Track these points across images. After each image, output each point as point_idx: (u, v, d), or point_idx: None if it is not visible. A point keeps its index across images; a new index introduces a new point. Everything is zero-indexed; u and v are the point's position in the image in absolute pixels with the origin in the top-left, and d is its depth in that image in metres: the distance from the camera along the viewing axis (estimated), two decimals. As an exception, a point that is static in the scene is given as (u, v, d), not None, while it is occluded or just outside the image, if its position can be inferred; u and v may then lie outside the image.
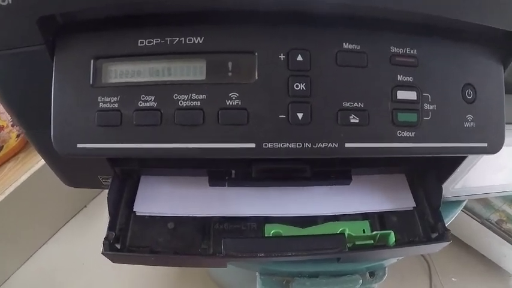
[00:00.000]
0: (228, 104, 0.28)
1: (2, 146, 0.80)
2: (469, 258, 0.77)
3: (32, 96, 0.34)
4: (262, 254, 0.35)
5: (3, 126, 0.79)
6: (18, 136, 0.81)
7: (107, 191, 0.38)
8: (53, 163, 0.41)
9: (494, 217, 0.72)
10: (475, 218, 0.72)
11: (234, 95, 0.29)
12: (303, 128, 0.29)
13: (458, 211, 0.46)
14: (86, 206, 0.85)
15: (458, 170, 0.39)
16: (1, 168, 0.80)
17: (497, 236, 0.73)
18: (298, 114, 0.29)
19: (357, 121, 0.30)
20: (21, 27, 0.28)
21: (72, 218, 0.85)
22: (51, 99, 0.31)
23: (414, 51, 0.31)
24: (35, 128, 0.37)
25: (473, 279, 0.77)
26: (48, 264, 0.81)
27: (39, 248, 0.83)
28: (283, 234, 0.37)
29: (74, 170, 0.40)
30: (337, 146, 0.30)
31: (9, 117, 0.78)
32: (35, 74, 0.32)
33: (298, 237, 0.36)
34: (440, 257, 0.75)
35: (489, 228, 0.72)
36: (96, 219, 0.81)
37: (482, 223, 0.72)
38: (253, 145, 0.29)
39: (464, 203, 0.47)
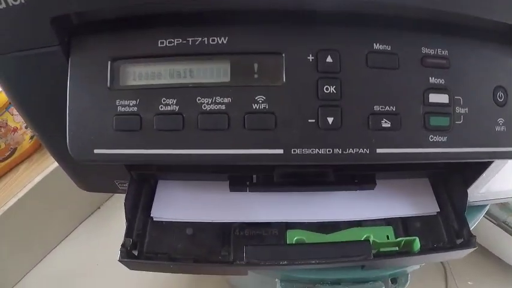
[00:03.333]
0: (254, 107, 0.26)
1: (16, 148, 0.78)
2: (486, 262, 0.75)
3: (46, 100, 0.32)
4: (285, 262, 0.33)
5: (17, 128, 0.77)
6: (31, 138, 0.79)
7: (120, 192, 0.36)
8: (68, 168, 0.39)
9: (511, 219, 0.69)
10: (491, 220, 0.69)
11: (260, 98, 0.26)
12: (333, 133, 0.27)
13: (481, 216, 0.44)
14: (99, 208, 0.84)
15: (485, 174, 0.37)
16: (15, 169, 0.79)
17: (513, 238, 0.70)
18: (328, 118, 0.27)
19: (389, 125, 0.28)
20: (35, 27, 0.26)
21: (86, 219, 0.83)
22: (66, 102, 0.29)
23: (446, 53, 0.29)
24: (49, 132, 0.35)
25: (490, 283, 0.74)
26: (62, 265, 0.79)
27: (53, 249, 0.82)
28: (306, 241, 0.35)
29: (89, 174, 0.38)
30: (368, 151, 0.27)
31: (20, 115, 0.77)
32: (50, 76, 0.30)
33: (322, 245, 0.34)
34: (456, 260, 0.72)
35: (506, 230, 0.69)
36: (110, 220, 0.80)
37: (498, 225, 0.69)
38: (281, 151, 0.26)
39: (487, 208, 0.44)
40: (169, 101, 0.27)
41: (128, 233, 0.35)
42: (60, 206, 0.79)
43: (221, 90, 0.26)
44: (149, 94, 0.27)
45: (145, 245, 0.36)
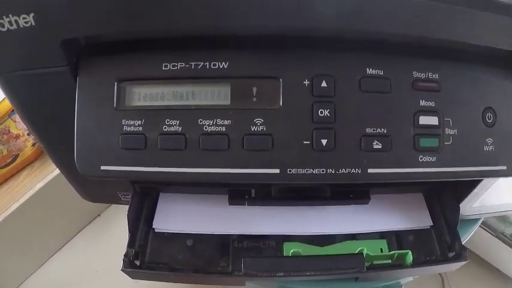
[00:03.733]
0: (252, 129, 0.28)
1: (18, 155, 0.79)
2: (484, 273, 0.75)
3: (53, 115, 0.33)
4: (282, 274, 0.34)
5: (19, 135, 0.78)
6: (33, 145, 0.80)
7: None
8: (72, 179, 0.40)
9: (509, 230, 0.69)
10: (489, 231, 0.70)
11: (258, 120, 0.28)
12: (327, 154, 0.28)
13: (475, 228, 0.45)
14: (99, 215, 0.84)
15: (476, 189, 0.38)
16: (16, 176, 0.80)
17: (512, 249, 0.70)
18: (322, 140, 0.28)
19: (380, 147, 0.29)
20: (44, 48, 0.28)
21: (86, 226, 0.84)
22: (73, 119, 0.30)
23: (436, 76, 0.31)
24: (55, 145, 0.36)
25: (488, 294, 0.75)
26: (61, 271, 0.80)
27: (53, 256, 0.82)
28: (302, 254, 0.36)
29: (93, 186, 0.40)
30: (360, 171, 0.29)
31: (25, 126, 0.78)
32: (56, 93, 0.31)
33: (317, 257, 0.35)
34: (454, 271, 0.73)
35: (503, 241, 0.70)
36: (109, 228, 0.80)
37: (497, 236, 0.70)
38: (277, 171, 0.28)
39: (480, 221, 0.46)
40: (173, 122, 0.28)
41: (131, 244, 0.36)
42: (60, 213, 0.80)
43: (222, 113, 0.28)
44: (154, 115, 0.28)
45: (147, 255, 0.37)
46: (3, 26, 0.26)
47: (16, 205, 0.75)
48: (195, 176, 0.28)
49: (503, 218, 0.70)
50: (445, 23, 0.27)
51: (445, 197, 0.40)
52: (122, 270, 0.35)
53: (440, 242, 0.39)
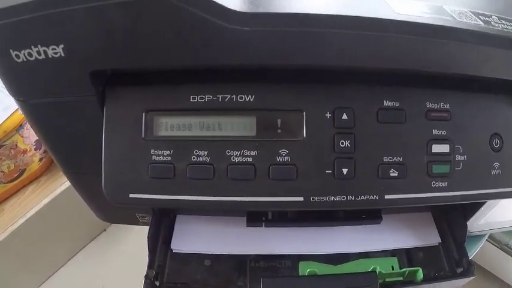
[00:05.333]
0: (278, 160, 0.29)
1: (25, 169, 0.79)
2: (488, 284, 0.76)
3: (77, 142, 0.34)
4: (298, 293, 0.35)
5: (26, 150, 0.78)
6: (40, 160, 0.81)
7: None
8: (92, 203, 0.41)
9: None
10: (494, 243, 0.71)
11: (283, 151, 0.29)
12: (347, 182, 0.30)
13: (481, 244, 0.46)
14: (105, 230, 0.84)
15: (483, 208, 0.39)
16: (23, 191, 0.80)
17: (516, 261, 0.72)
18: (343, 169, 0.29)
19: (396, 174, 0.30)
20: (72, 79, 0.28)
21: (91, 241, 0.84)
22: (98, 147, 0.31)
23: (447, 106, 0.32)
24: (78, 170, 0.37)
25: (492, 304, 0.75)
26: (66, 285, 0.79)
27: (58, 270, 0.82)
28: (318, 273, 0.37)
29: (113, 209, 0.40)
30: (377, 198, 0.30)
31: (33, 141, 0.78)
32: (82, 120, 0.32)
33: (332, 276, 0.37)
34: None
35: (508, 253, 0.71)
36: (115, 242, 0.80)
37: (501, 248, 0.71)
38: (301, 199, 0.29)
39: (486, 236, 0.47)
40: (201, 153, 0.29)
41: (151, 265, 0.37)
42: (66, 228, 0.80)
43: (248, 144, 0.29)
44: (182, 145, 0.29)
45: (165, 275, 0.38)
46: (31, 56, 0.26)
47: (22, 220, 0.76)
48: (222, 204, 0.29)
49: (508, 231, 0.71)
50: (458, 60, 0.29)
51: (453, 215, 0.41)
52: (142, 291, 0.35)
53: (448, 258, 0.40)
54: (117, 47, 0.26)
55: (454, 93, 0.32)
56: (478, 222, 0.43)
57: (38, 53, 0.26)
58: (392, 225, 0.41)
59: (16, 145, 0.76)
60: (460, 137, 0.32)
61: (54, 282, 0.81)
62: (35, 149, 0.79)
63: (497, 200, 0.39)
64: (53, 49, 0.26)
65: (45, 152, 0.80)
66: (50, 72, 0.27)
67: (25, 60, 0.26)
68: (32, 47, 0.25)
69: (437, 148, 0.31)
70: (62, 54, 0.26)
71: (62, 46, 0.25)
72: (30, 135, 0.77)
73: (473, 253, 0.46)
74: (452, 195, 0.32)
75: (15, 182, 0.78)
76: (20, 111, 0.35)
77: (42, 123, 0.33)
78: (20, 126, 0.75)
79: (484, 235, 0.47)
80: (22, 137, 0.77)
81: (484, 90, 0.33)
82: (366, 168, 0.30)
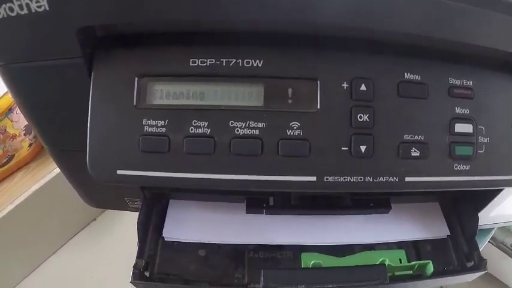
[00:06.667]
0: (288, 134, 0.24)
1: (14, 155, 0.73)
2: (483, 284, 0.72)
3: (61, 113, 0.29)
4: (303, 286, 0.30)
5: (16, 135, 0.72)
6: (30, 145, 0.75)
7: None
8: (77, 183, 0.36)
9: (509, 240, 0.67)
10: (489, 241, 0.68)
11: (294, 124, 0.24)
12: (365, 161, 0.25)
13: (488, 239, 0.43)
14: (95, 219, 0.79)
15: (496, 198, 0.36)
16: (12, 177, 0.74)
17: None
18: (361, 147, 0.25)
19: (418, 154, 0.26)
20: (57, 37, 0.24)
21: (81, 230, 0.78)
22: (85, 119, 0.26)
23: (470, 83, 0.28)
24: (62, 146, 0.32)
25: (488, 304, 0.72)
26: (55, 276, 0.74)
27: (47, 259, 0.77)
28: (323, 265, 0.33)
29: (100, 191, 0.36)
30: (397, 180, 0.26)
31: (22, 126, 0.73)
32: (68, 88, 0.27)
33: (339, 268, 0.32)
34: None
35: (504, 251, 0.68)
36: (105, 232, 0.75)
37: (497, 246, 0.68)
38: (314, 178, 0.25)
39: (493, 231, 0.43)
40: (201, 123, 0.24)
41: (140, 254, 0.32)
42: (56, 216, 0.75)
43: (255, 115, 0.24)
44: (179, 115, 0.25)
45: (156, 265, 0.34)
46: (12, 10, 0.22)
47: (10, 207, 0.70)
48: (224, 183, 0.24)
49: (503, 228, 0.68)
50: (481, 30, 0.25)
51: (464, 206, 0.38)
52: (131, 282, 0.31)
53: (457, 251, 0.37)
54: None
55: (477, 71, 0.29)
56: (489, 215, 0.39)
57: (20, 7, 0.22)
58: (398, 216, 0.37)
59: (5, 130, 0.71)
60: (483, 118, 0.29)
61: (43, 271, 0.76)
62: (25, 134, 0.73)
63: (510, 191, 0.35)
64: (36, 2, 0.22)
65: (35, 137, 0.75)
66: (33, 30, 0.23)
67: (5, 16, 0.22)
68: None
69: (460, 128, 0.28)
70: (47, 8, 0.22)
71: (46, -3, 0.21)
72: (20, 119, 0.72)
73: (481, 247, 0.42)
74: (475, 180, 0.29)
75: (3, 168, 0.73)
76: (9, 94, 0.30)
77: (24, 92, 0.28)
78: (10, 110, 0.70)
79: (491, 229, 0.43)
80: (11, 121, 0.71)
81: (507, 70, 0.29)
82: (386, 146, 0.26)
